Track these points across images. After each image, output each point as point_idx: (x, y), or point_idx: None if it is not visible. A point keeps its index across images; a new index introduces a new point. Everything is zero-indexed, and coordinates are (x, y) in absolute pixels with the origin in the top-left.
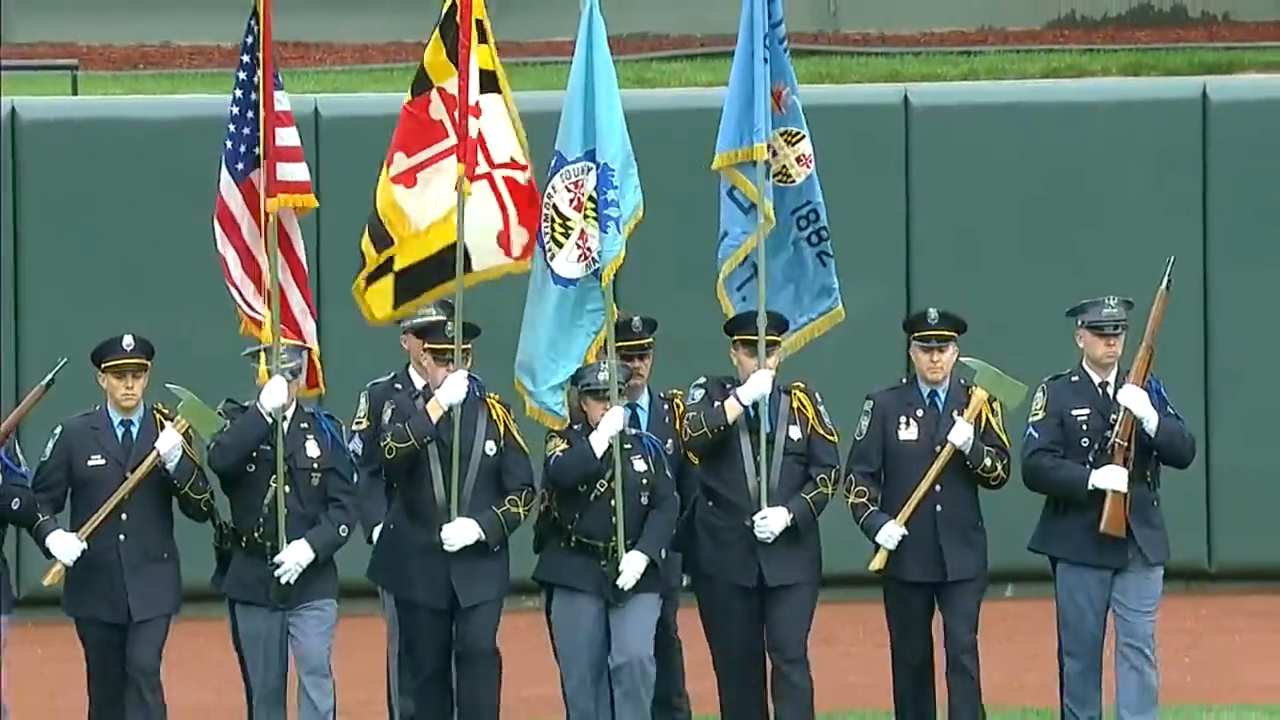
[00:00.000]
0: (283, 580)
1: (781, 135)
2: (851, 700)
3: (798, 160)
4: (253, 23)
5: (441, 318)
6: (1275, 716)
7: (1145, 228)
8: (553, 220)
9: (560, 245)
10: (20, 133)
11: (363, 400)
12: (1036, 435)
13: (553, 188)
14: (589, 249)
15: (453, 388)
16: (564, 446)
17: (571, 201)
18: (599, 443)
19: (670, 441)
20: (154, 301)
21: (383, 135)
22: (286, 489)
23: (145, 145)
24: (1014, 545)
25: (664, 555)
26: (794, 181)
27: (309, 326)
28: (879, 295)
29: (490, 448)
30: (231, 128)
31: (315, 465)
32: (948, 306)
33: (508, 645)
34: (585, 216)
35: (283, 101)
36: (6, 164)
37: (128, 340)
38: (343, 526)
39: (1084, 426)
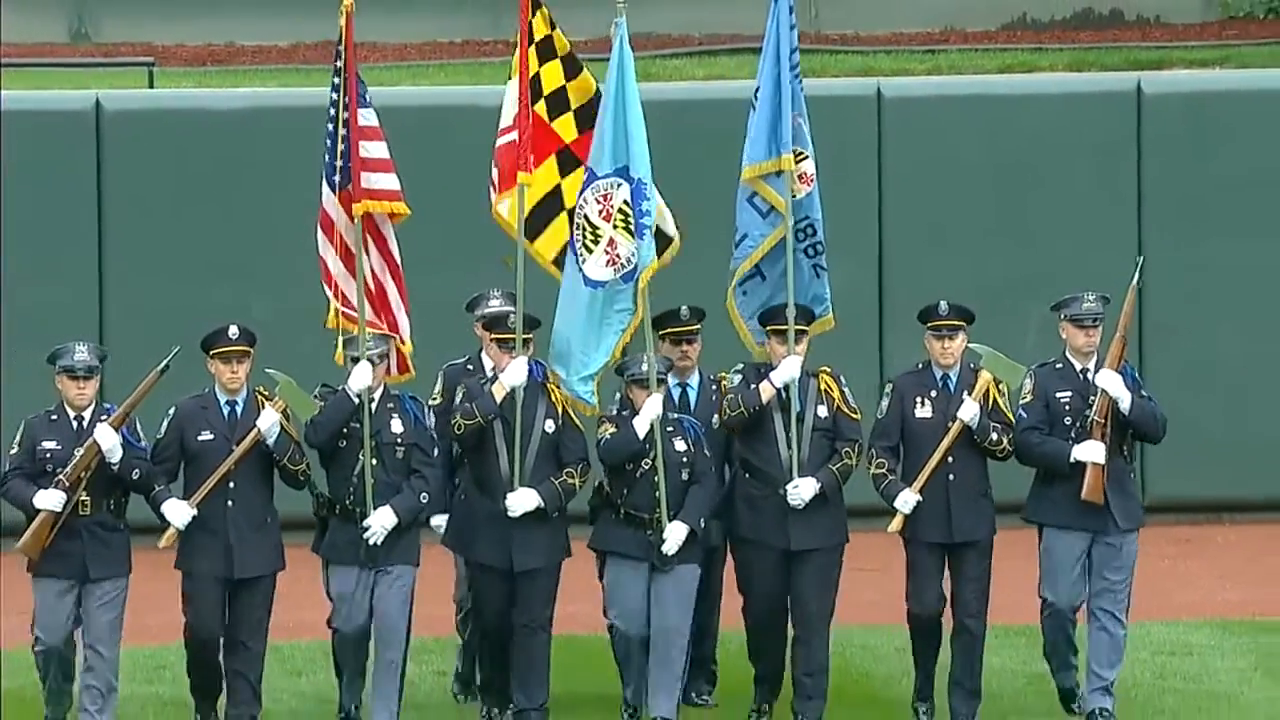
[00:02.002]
0: (371, 542)
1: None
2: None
3: (799, 178)
4: (340, 48)
5: (508, 309)
6: (1199, 630)
7: (1087, 205)
8: (584, 229)
9: (590, 251)
10: (104, 122)
11: (439, 379)
12: (1025, 415)
13: (584, 200)
14: (617, 255)
15: (515, 371)
16: (612, 430)
17: (601, 212)
18: (641, 426)
19: (716, 416)
20: (228, 278)
21: (406, 126)
22: (374, 461)
23: (214, 133)
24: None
25: (703, 525)
26: (795, 197)
27: (403, 321)
28: (853, 273)
29: (550, 426)
30: (328, 142)
31: (399, 440)
32: (916, 283)
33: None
34: (615, 226)
35: (368, 117)
36: (92, 149)
37: (233, 330)
38: (423, 494)
39: (1067, 407)
